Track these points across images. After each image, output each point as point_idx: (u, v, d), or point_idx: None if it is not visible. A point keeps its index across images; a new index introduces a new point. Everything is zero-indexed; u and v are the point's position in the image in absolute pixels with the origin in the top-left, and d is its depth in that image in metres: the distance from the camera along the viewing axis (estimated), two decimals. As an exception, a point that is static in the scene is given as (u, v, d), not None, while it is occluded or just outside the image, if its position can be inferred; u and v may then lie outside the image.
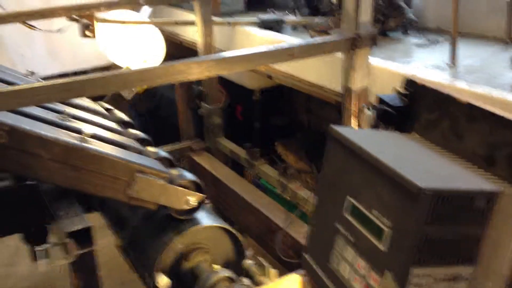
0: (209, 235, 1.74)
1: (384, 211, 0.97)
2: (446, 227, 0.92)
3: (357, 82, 1.68)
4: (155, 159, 1.85)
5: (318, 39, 1.78)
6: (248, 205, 2.17)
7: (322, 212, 1.18)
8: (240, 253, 1.80)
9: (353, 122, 1.71)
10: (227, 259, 1.80)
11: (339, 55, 1.76)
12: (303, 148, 2.68)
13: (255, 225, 2.15)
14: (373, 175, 0.99)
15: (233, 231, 1.77)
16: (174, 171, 1.75)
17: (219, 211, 2.46)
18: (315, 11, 2.39)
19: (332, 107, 2.13)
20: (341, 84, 1.74)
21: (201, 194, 1.71)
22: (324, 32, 2.05)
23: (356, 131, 1.25)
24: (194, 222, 1.72)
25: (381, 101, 1.27)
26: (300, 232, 1.92)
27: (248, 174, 2.55)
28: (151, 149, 1.91)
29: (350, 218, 1.06)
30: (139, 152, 1.84)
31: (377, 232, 0.98)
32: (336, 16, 2.04)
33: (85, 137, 1.55)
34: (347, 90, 1.70)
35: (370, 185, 1.01)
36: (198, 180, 1.73)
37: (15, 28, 2.61)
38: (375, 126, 1.27)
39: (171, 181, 1.66)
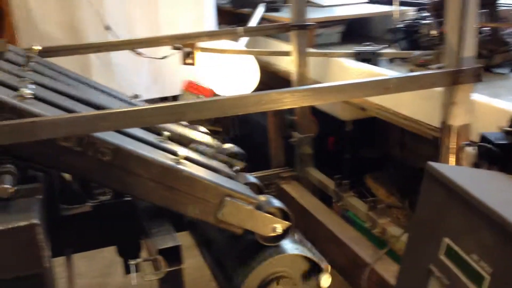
0: (293, 264, 1.73)
1: (485, 256, 0.91)
2: (555, 279, 0.84)
3: (458, 118, 1.61)
4: (244, 184, 1.89)
5: (417, 72, 1.74)
6: (334, 238, 2.13)
7: (415, 252, 1.13)
8: (324, 286, 1.77)
9: (452, 160, 1.63)
10: (311, 290, 1.77)
11: (438, 88, 1.70)
12: (395, 183, 2.59)
13: (341, 258, 2.10)
14: (474, 217, 0.94)
15: (318, 262, 1.74)
16: (262, 198, 1.77)
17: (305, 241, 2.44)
18: (414, 44, 2.35)
19: (428, 143, 2.05)
20: (440, 119, 1.68)
21: (287, 222, 1.71)
22: (424, 66, 2.00)
23: (456, 169, 1.19)
24: (280, 249, 1.72)
25: (484, 139, 1.20)
26: (388, 270, 1.85)
27: (336, 206, 2.51)
28: (241, 174, 1.95)
29: (446, 260, 1.00)
30: (229, 177, 1.88)
31: (476, 277, 0.92)
32: (437, 50, 1.98)
33: (180, 159, 1.61)
34: (446, 126, 1.64)
35: (470, 228, 0.95)
36: (285, 208, 1.73)
37: (124, 55, 2.82)
38: (476, 165, 1.20)
39: (259, 207, 1.68)
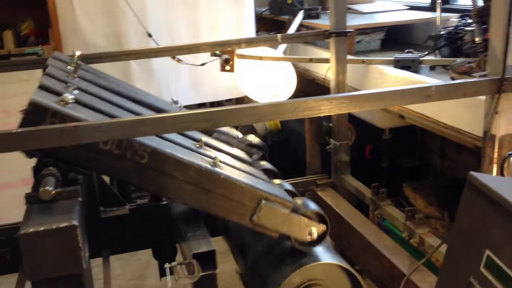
0: (328, 272, 1.70)
1: (528, 270, 0.87)
2: None
3: (501, 128, 1.56)
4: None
5: (459, 80, 1.70)
6: (370, 247, 2.10)
7: (454, 263, 1.10)
8: (358, 295, 1.74)
9: (494, 170, 1.58)
10: (344, 299, 1.75)
11: (481, 97, 1.65)
12: (434, 193, 2.53)
13: (376, 268, 2.06)
14: (518, 230, 0.90)
15: (353, 271, 1.72)
16: (299, 201, 1.75)
17: (340, 249, 2.41)
18: (456, 51, 2.29)
19: (469, 152, 2.00)
20: (482, 129, 1.63)
21: (324, 226, 1.69)
22: (466, 74, 1.94)
23: (499, 179, 1.16)
24: (314, 257, 1.70)
25: (529, 149, 1.16)
26: (425, 281, 1.80)
27: (373, 214, 2.48)
28: (276, 181, 1.95)
29: (486, 273, 0.97)
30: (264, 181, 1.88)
31: (518, 293, 0.89)
32: (481, 57, 1.93)
33: (217, 163, 1.63)
34: (489, 136, 1.59)
35: (512, 240, 0.92)
36: (322, 212, 1.71)
37: (164, 62, 2.87)
38: (520, 176, 1.16)
39: (295, 210, 1.67)
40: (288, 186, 1.94)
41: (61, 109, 1.42)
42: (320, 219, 1.70)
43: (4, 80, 3.02)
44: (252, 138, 2.25)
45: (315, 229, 1.66)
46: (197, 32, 3.30)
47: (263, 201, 1.60)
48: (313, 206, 1.72)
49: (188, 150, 1.72)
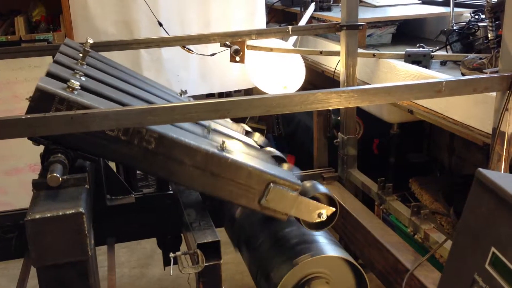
0: (332, 265, 1.71)
1: (533, 269, 0.87)
2: None
3: (511, 125, 1.55)
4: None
5: (470, 76, 1.68)
6: (375, 241, 2.10)
7: (458, 260, 1.09)
8: (362, 288, 1.75)
9: (503, 168, 1.57)
10: (348, 293, 1.75)
11: (492, 93, 1.64)
12: (440, 189, 2.51)
13: (380, 262, 2.06)
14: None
15: (357, 265, 1.72)
16: (308, 183, 1.75)
17: (344, 243, 2.41)
18: (468, 47, 2.27)
19: (478, 149, 1.98)
20: (492, 125, 1.62)
21: (333, 208, 1.69)
22: (478, 70, 1.93)
23: (507, 177, 1.14)
24: (318, 250, 1.70)
25: (538, 147, 1.15)
26: (428, 276, 1.81)
27: (378, 209, 2.47)
28: (285, 166, 1.94)
29: (492, 271, 0.96)
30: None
31: (523, 291, 0.89)
32: (493, 53, 1.91)
33: (224, 147, 1.63)
34: (498, 133, 1.58)
35: (519, 239, 0.91)
36: (331, 194, 1.71)
37: (174, 51, 2.87)
38: (529, 174, 1.15)
39: (304, 193, 1.67)
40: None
41: (67, 95, 1.42)
42: (330, 201, 1.70)
43: (14, 66, 3.04)
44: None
45: (324, 211, 1.66)
46: (208, 22, 3.29)
47: (271, 184, 1.60)
48: (322, 188, 1.71)
49: (196, 135, 1.72)
